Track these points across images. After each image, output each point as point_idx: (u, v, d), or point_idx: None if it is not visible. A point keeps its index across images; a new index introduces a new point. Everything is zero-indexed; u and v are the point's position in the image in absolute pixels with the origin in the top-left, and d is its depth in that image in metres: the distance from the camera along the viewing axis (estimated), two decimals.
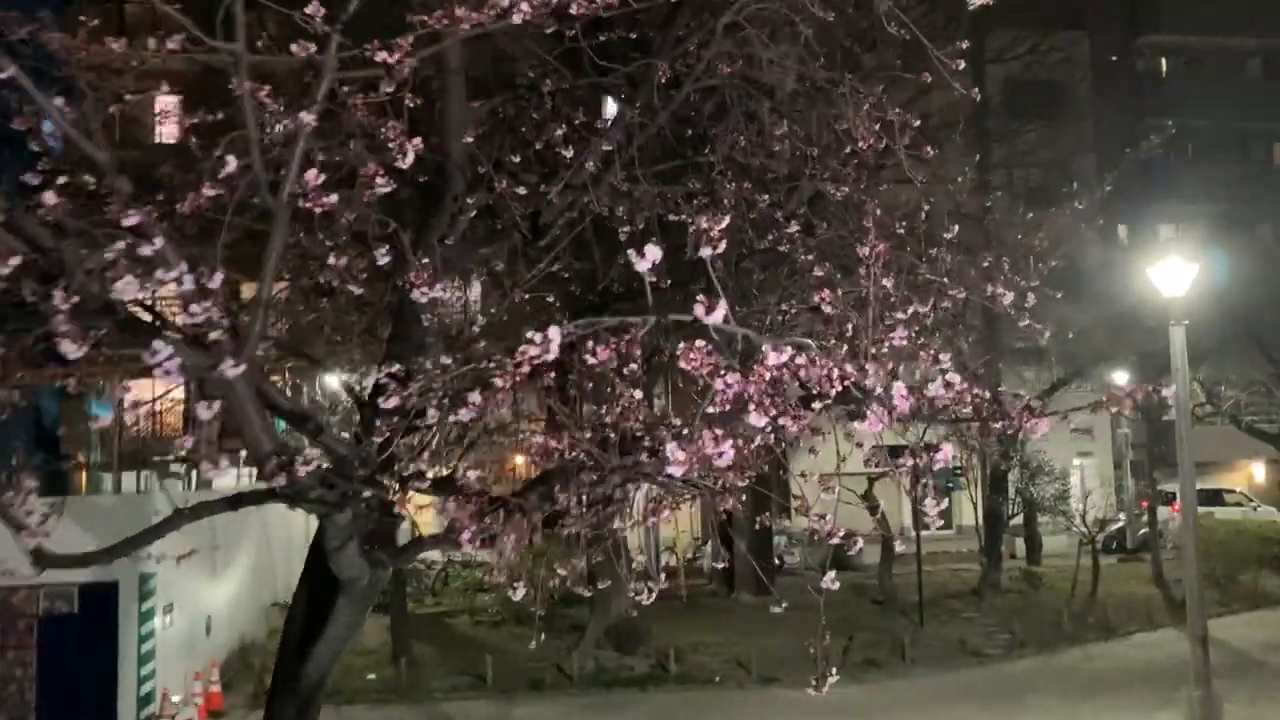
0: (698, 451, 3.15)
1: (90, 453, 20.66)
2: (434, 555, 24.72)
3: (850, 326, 4.04)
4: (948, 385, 3.50)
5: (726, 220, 3.46)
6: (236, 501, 5.49)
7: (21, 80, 4.31)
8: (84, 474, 19.19)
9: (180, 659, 17.21)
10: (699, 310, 2.98)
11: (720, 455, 4.12)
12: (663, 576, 6.10)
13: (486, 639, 21.91)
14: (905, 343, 3.96)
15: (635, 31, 8.10)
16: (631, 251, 3.14)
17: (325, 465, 5.54)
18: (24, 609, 15.86)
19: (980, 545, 27.81)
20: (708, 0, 7.28)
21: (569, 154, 7.38)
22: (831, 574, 4.45)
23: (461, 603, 25.63)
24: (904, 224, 6.26)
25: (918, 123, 6.37)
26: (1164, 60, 44.65)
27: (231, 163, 4.44)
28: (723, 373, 3.09)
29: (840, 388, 3.39)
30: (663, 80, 7.46)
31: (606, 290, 8.91)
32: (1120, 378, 26.76)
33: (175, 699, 16.23)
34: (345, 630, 6.74)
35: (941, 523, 30.23)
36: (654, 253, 3.13)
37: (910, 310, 4.30)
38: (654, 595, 5.17)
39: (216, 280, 4.13)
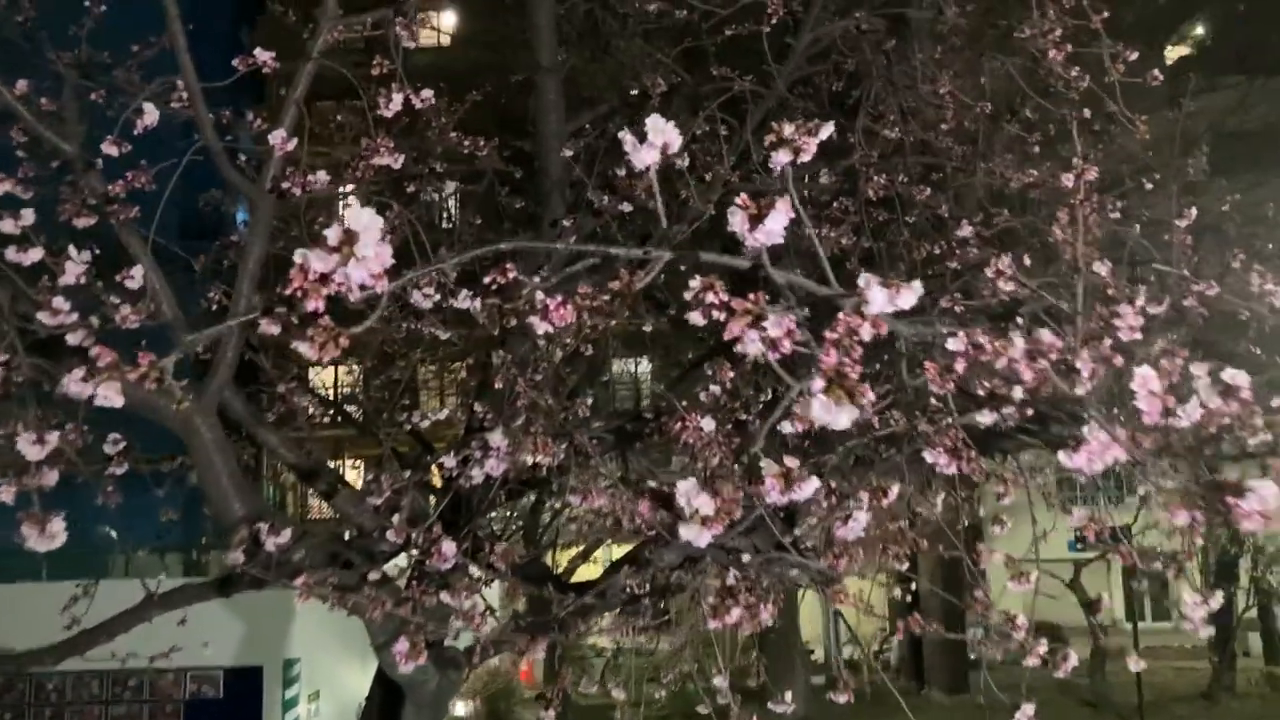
0: (729, 501, 1.68)
1: None
2: (603, 641, 23.31)
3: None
4: (1227, 392, 1.95)
5: (827, 130, 2.00)
6: (226, 586, 4.26)
7: None
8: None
9: None
10: (737, 220, 1.53)
11: (845, 519, 2.69)
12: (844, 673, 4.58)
13: None
14: (1136, 335, 2.41)
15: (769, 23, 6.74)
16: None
17: (347, 536, 4.31)
18: (171, 693, 15.59)
19: (1209, 641, 24.54)
20: None
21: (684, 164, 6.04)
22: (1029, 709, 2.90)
23: (630, 694, 24.00)
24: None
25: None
26: None
27: (149, 114, 3.29)
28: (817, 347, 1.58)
29: (1033, 392, 1.91)
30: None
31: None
32: None
33: None
34: None
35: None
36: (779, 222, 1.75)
37: (1139, 304, 2.73)
38: (848, 696, 3.75)
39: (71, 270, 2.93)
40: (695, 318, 1.59)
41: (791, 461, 1.74)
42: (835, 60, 6.66)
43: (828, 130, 2.04)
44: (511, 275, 1.76)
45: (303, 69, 3.81)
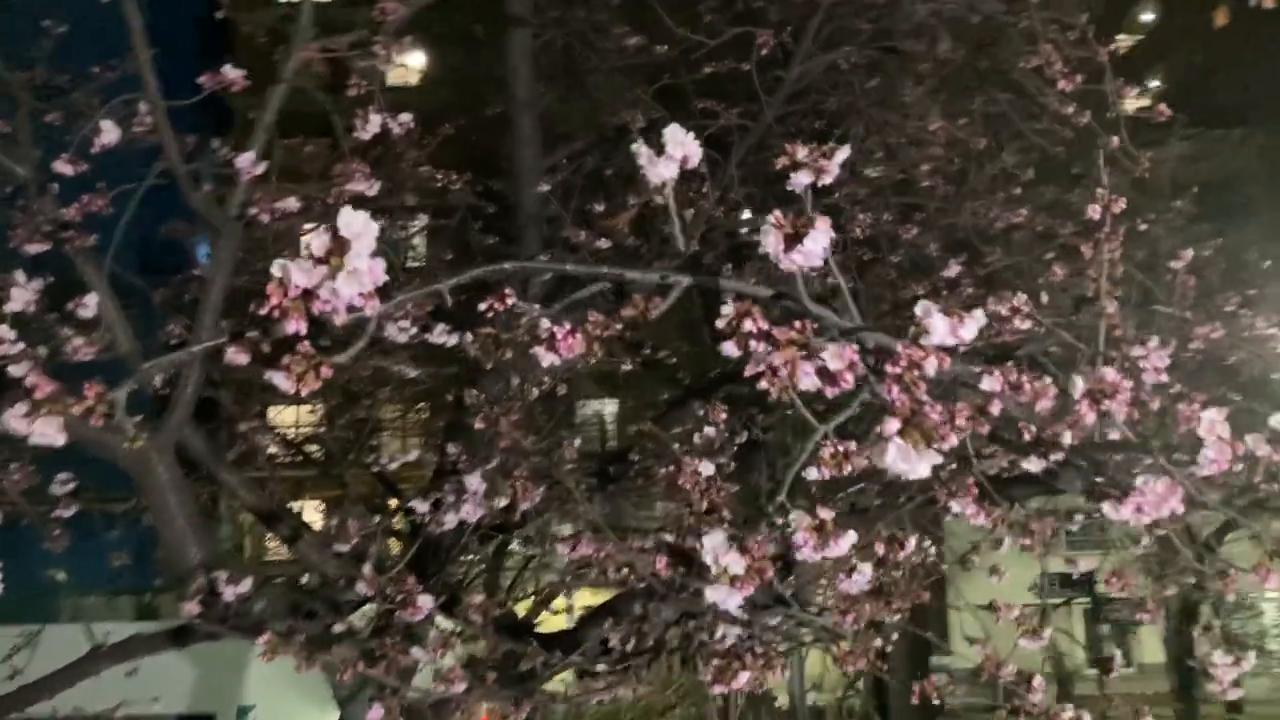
0: (760, 559, 1.49)
1: None
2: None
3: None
4: (1275, 439, 1.79)
5: (844, 153, 1.83)
6: (181, 637, 4.00)
7: None
8: None
9: None
10: (770, 240, 1.36)
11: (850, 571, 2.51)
12: None
13: None
14: (1162, 376, 2.26)
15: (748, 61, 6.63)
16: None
17: (306, 584, 4.07)
18: None
19: (1171, 687, 24.43)
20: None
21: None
22: None
23: None
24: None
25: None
26: None
27: (109, 132, 3.08)
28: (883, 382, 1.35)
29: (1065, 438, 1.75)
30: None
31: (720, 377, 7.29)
32: None
33: None
34: None
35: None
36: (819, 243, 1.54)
37: (1150, 346, 2.58)
38: None
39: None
40: (729, 348, 1.41)
41: (825, 512, 1.55)
42: (815, 100, 6.55)
43: (844, 153, 1.88)
44: (510, 302, 1.57)
45: (274, 91, 3.62)
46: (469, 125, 7.09)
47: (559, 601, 6.59)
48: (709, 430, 3.14)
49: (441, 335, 3.63)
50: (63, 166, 3.42)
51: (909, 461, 1.23)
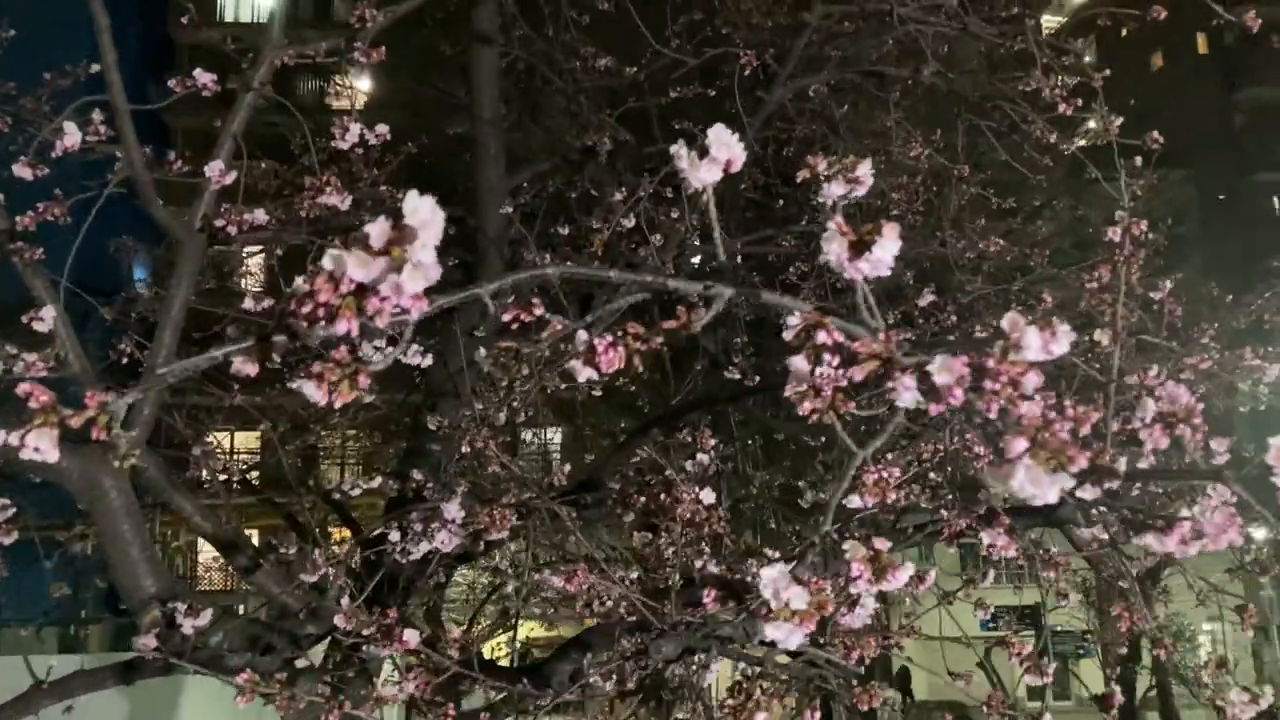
0: (823, 592, 1.37)
1: None
2: None
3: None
4: None
5: (866, 166, 1.74)
6: (130, 672, 3.77)
7: None
8: None
9: None
10: (834, 248, 1.23)
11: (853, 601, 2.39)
12: None
13: None
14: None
15: (715, 87, 6.57)
16: None
17: (264, 618, 3.88)
18: None
19: None
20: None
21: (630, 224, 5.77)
22: None
23: None
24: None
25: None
26: (1276, 200, 42.51)
27: (70, 135, 2.91)
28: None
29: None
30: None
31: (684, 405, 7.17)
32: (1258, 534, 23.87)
33: None
34: None
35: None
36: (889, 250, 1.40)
37: (1152, 373, 2.51)
38: None
39: None
40: (799, 363, 1.29)
41: (881, 543, 1.44)
42: (780, 127, 6.51)
43: (866, 166, 1.79)
44: (539, 313, 1.44)
45: (242, 98, 3.46)
46: (421, 151, 6.96)
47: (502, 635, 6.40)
48: (702, 457, 3.03)
49: (414, 356, 3.48)
50: (21, 170, 3.22)
51: (1039, 485, 1.12)
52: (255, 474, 8.31)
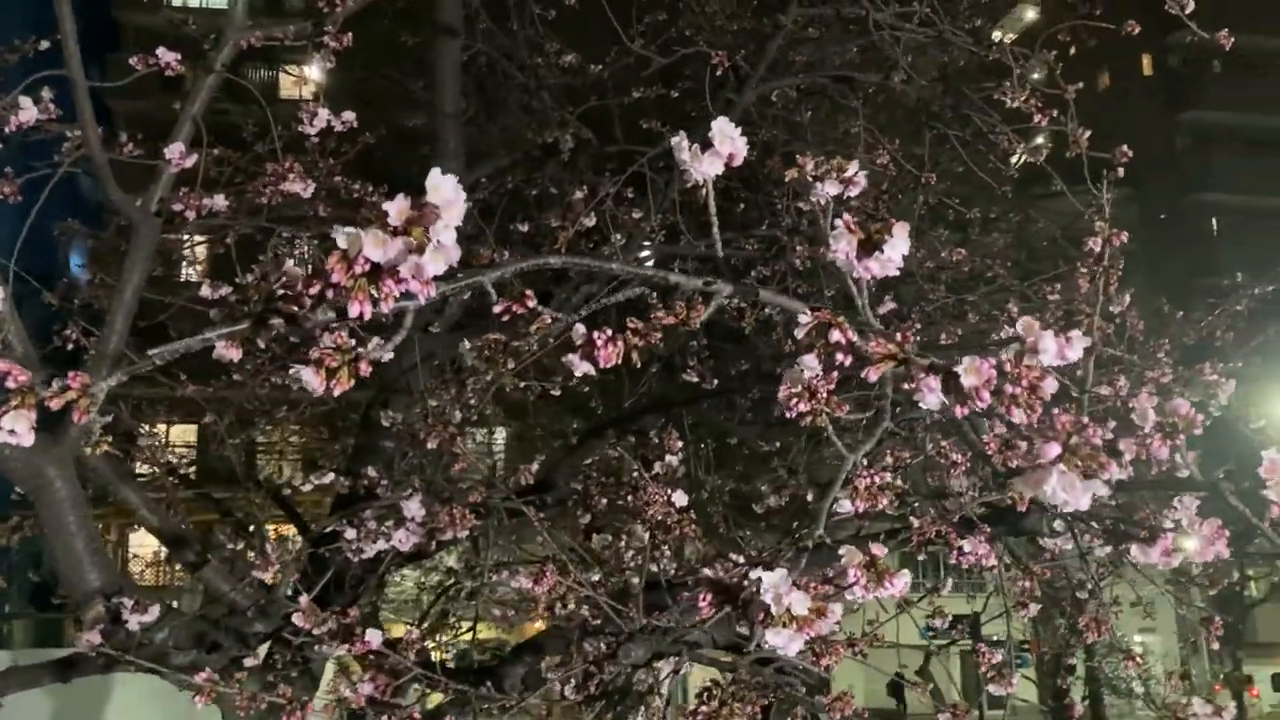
0: (823, 597, 1.34)
1: None
2: None
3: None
4: None
5: (854, 167, 1.73)
6: (69, 669, 3.65)
7: None
8: None
9: None
10: (842, 246, 1.19)
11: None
12: None
13: None
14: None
15: (678, 88, 6.54)
16: None
17: (209, 615, 3.78)
18: None
19: None
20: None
21: (590, 223, 5.72)
22: None
23: None
24: None
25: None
26: (1215, 220, 43.44)
27: (27, 110, 2.80)
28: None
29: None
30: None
31: (634, 408, 7.13)
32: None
33: None
34: None
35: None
36: (899, 250, 1.36)
37: (1120, 385, 2.51)
38: None
39: None
40: (809, 361, 1.26)
41: (878, 549, 1.41)
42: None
43: (854, 168, 1.77)
44: (531, 305, 1.39)
45: (203, 81, 3.36)
46: (372, 145, 6.86)
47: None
48: (670, 459, 2.99)
49: (377, 350, 3.41)
50: None
51: (1072, 492, 1.09)
52: (193, 468, 8.14)
